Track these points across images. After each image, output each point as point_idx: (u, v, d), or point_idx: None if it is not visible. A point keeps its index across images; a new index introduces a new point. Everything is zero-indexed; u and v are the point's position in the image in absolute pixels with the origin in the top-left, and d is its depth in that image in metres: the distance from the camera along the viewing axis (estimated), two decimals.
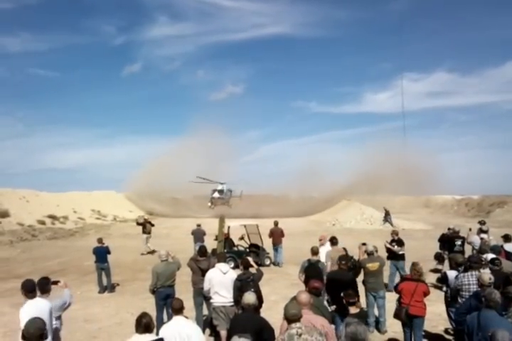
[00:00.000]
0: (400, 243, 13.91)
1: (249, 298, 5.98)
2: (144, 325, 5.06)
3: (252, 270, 8.62)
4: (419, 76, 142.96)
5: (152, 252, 21.87)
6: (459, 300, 7.55)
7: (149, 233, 22.90)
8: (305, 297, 5.58)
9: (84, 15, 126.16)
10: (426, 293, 8.06)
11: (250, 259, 9.08)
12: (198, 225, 20.15)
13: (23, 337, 4.50)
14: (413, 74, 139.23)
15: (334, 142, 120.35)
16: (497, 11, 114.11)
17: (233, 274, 8.70)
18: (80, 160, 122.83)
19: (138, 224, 24.16)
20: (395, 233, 14.34)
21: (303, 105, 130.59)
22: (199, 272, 9.71)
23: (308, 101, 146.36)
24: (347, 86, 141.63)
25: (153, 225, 23.70)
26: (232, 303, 8.38)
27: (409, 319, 7.98)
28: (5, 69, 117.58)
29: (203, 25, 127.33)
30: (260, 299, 7.96)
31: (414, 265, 8.39)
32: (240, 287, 8.01)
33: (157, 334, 9.15)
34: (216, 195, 49.86)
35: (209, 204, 48.62)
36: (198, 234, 19.44)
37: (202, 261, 9.88)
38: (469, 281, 7.47)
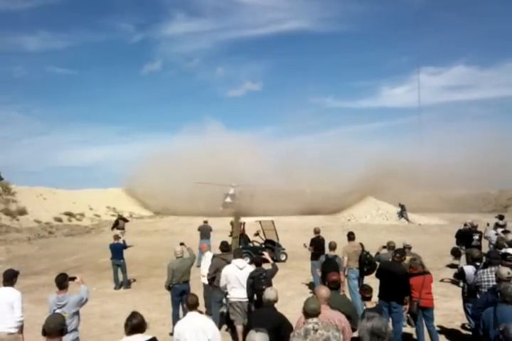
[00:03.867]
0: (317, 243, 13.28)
1: (271, 293, 5.94)
2: (132, 325, 4.88)
3: (268, 265, 8.61)
4: (437, 70, 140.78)
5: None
6: (478, 296, 7.45)
7: (123, 229, 24.13)
8: (325, 292, 5.54)
9: (102, 14, 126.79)
10: (431, 283, 8.48)
11: (267, 254, 9.05)
12: (205, 221, 20.05)
13: (44, 332, 4.54)
14: (431, 68, 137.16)
15: (351, 137, 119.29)
16: None
17: (250, 270, 8.69)
18: (97, 158, 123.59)
19: (116, 221, 25.39)
20: (315, 231, 13.75)
21: (320, 100, 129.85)
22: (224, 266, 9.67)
23: (325, 96, 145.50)
24: (364, 80, 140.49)
25: (127, 221, 25.95)
26: (248, 299, 8.39)
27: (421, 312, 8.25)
28: (23, 67, 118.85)
29: (220, 21, 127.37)
30: None
31: (413, 260, 8.72)
32: (252, 284, 8.01)
33: (172, 330, 9.21)
34: (228, 199, 49.96)
35: (220, 208, 48.55)
36: (205, 231, 19.34)
37: (227, 255, 9.89)
38: (488, 278, 7.32)
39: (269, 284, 7.91)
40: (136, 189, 53.06)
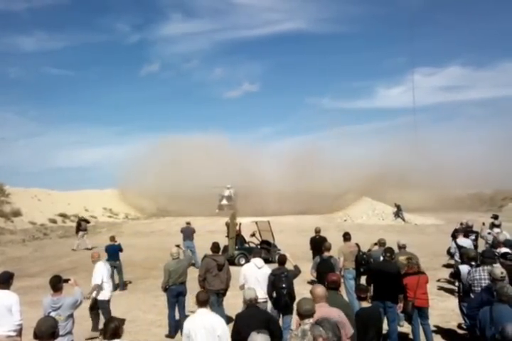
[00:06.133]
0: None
1: (250, 293, 6.07)
2: (111, 330, 4.74)
3: (290, 266, 8.59)
4: (432, 70, 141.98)
5: (90, 248, 22.69)
6: (472, 296, 7.49)
7: (85, 230, 24.68)
8: (320, 290, 5.57)
9: (99, 14, 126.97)
10: (427, 283, 8.51)
11: (288, 255, 8.99)
12: (188, 223, 19.87)
13: (35, 335, 4.50)
14: (426, 69, 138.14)
15: (347, 137, 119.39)
16: (511, 3, 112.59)
17: (268, 269, 8.75)
18: (93, 159, 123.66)
19: (78, 223, 25.52)
20: (316, 230, 14.06)
21: (316, 101, 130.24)
22: (215, 268, 9.64)
23: (321, 97, 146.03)
24: (360, 81, 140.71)
25: (88, 222, 26.73)
26: (265, 299, 8.39)
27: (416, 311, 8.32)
28: (19, 68, 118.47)
29: (216, 22, 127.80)
30: (292, 296, 7.97)
31: (409, 259, 8.83)
32: (273, 281, 8.03)
33: (175, 329, 9.19)
34: (224, 202, 49.88)
35: (216, 210, 48.34)
36: (188, 232, 19.20)
37: (218, 256, 9.86)
38: (481, 276, 7.43)
39: (290, 284, 7.99)
40: (130, 190, 52.86)
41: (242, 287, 8.77)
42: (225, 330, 5.62)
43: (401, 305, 8.19)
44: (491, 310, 5.52)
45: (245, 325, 5.48)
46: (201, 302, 5.84)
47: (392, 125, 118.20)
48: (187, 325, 5.73)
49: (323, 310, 5.27)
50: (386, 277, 8.12)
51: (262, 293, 8.25)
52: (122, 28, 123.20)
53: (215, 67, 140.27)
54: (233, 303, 10.13)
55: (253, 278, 8.64)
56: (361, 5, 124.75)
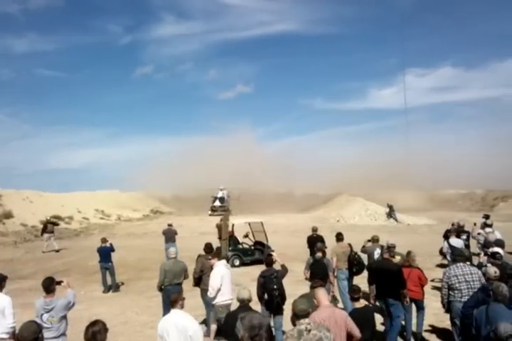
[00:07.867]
0: None
1: (244, 293, 6.08)
2: (90, 333, 4.73)
3: (277, 266, 8.58)
4: (424, 71, 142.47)
5: (57, 251, 23.31)
6: (450, 293, 7.62)
7: (52, 232, 24.33)
8: (323, 292, 5.58)
9: (91, 15, 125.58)
10: (420, 278, 8.74)
11: (275, 255, 8.96)
12: (169, 225, 19.75)
13: (17, 340, 4.47)
14: (418, 70, 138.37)
15: (339, 138, 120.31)
16: (501, 4, 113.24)
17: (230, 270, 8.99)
18: (86, 160, 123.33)
19: (45, 225, 25.15)
20: (313, 229, 14.57)
21: (308, 102, 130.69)
22: (210, 268, 9.59)
23: (313, 98, 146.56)
24: (352, 82, 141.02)
25: (57, 225, 26.41)
26: (231, 300, 8.39)
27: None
28: (11, 70, 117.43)
29: (209, 23, 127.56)
30: (283, 296, 7.96)
31: (408, 253, 9.09)
32: (263, 283, 8.00)
33: None
34: (217, 203, 49.62)
35: (209, 212, 48.02)
36: (169, 234, 19.09)
37: (213, 257, 9.82)
38: (456, 273, 7.57)
39: (281, 285, 7.99)
40: (128, 191, 52.84)
41: (218, 292, 8.48)
42: (196, 331, 5.64)
43: (407, 299, 8.30)
44: (487, 309, 5.57)
45: (232, 325, 5.47)
46: (172, 303, 5.91)
47: (384, 126, 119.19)
48: (160, 324, 5.83)
49: (328, 311, 5.34)
50: (387, 275, 8.21)
51: (232, 294, 8.19)
52: (115, 30, 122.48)
53: (208, 69, 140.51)
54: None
55: (228, 279, 8.66)
56: (353, 6, 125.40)
